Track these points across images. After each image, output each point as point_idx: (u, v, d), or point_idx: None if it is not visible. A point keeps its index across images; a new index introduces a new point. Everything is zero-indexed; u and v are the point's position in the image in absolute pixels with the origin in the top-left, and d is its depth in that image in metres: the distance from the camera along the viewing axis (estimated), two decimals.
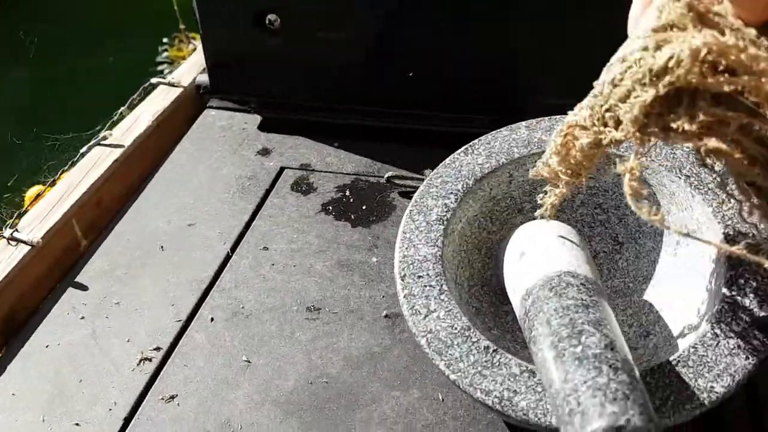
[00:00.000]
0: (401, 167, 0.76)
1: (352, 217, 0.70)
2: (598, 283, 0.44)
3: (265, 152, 0.80)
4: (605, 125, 0.38)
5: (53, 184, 0.74)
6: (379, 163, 0.77)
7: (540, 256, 0.46)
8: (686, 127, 0.34)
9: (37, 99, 2.23)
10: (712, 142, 0.34)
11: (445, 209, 0.53)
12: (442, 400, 0.52)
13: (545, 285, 0.43)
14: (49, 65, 2.35)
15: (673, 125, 0.34)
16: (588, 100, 0.40)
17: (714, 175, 0.49)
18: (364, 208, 0.71)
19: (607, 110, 0.38)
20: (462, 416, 0.51)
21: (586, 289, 0.42)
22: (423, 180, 0.58)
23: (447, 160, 0.56)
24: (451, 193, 0.54)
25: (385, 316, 0.60)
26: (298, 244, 0.67)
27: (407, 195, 0.72)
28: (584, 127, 0.40)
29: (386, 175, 0.73)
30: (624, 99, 0.36)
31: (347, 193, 0.73)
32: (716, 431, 0.49)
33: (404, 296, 0.49)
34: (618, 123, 0.37)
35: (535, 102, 0.77)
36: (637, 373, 0.37)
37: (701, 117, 0.33)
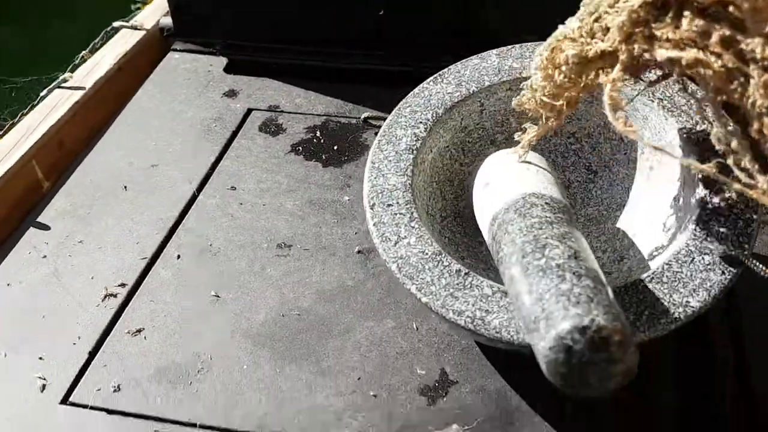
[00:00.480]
0: (372, 108, 0.74)
1: (323, 157, 0.69)
2: (564, 202, 0.44)
3: (231, 94, 0.77)
4: (593, 37, 0.38)
5: (12, 126, 0.71)
6: (350, 104, 0.76)
7: (504, 183, 0.46)
8: (670, 35, 0.34)
9: (6, 45, 2.14)
10: (692, 53, 0.34)
11: (415, 139, 0.52)
12: (417, 329, 0.52)
13: (510, 208, 0.43)
14: (20, 12, 2.27)
15: (658, 33, 0.34)
16: (579, 12, 0.39)
17: (692, 100, 0.49)
18: (335, 148, 0.70)
19: (596, 19, 0.38)
20: (436, 343, 0.51)
21: (550, 207, 0.42)
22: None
23: (416, 90, 0.54)
24: (420, 122, 0.52)
25: (358, 251, 0.59)
26: (267, 183, 0.66)
27: None
28: (572, 39, 0.39)
29: (362, 116, 0.71)
30: (613, 5, 0.36)
31: (318, 134, 0.72)
32: (697, 347, 0.49)
33: (374, 224, 0.48)
34: (606, 32, 0.37)
35: (508, 38, 0.76)
36: (604, 280, 0.37)
37: (686, 26, 0.33)
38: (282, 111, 0.75)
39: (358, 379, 0.49)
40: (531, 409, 0.45)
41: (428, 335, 0.51)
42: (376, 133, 0.70)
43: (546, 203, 0.43)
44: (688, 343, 0.48)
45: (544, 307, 0.34)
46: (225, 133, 0.72)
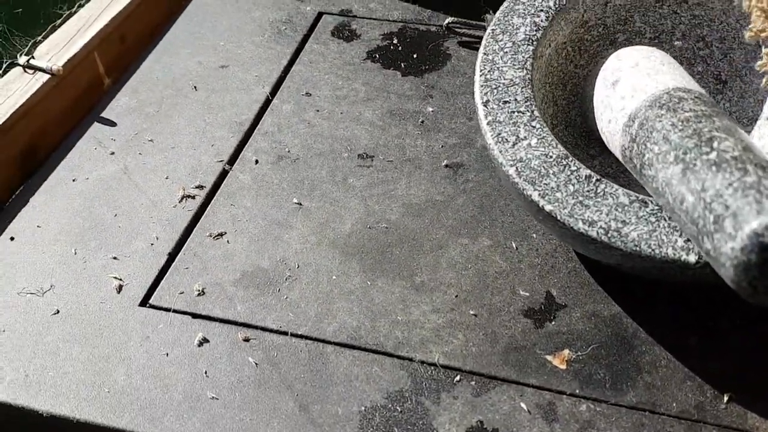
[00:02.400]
0: (453, 15, 0.69)
1: (402, 65, 0.64)
2: (713, 100, 0.39)
3: None
4: None
5: (70, 16, 0.66)
6: (428, 10, 0.70)
7: (639, 78, 0.41)
8: None
9: None
10: None
11: (535, 28, 0.47)
12: (516, 248, 0.48)
13: (653, 104, 0.38)
14: None
15: None
16: None
17: None
18: (415, 56, 0.65)
19: None
20: (539, 264, 0.47)
21: (702, 102, 0.37)
22: (487, 29, 0.51)
23: None
24: (542, 10, 0.47)
25: (446, 166, 0.55)
26: (344, 91, 0.61)
27: (468, 45, 0.65)
28: None
29: (445, 22, 0.66)
30: None
31: (395, 41, 0.67)
32: None
33: (488, 123, 0.43)
34: None
35: None
36: None
37: None
38: (355, 16, 0.70)
39: (456, 296, 0.45)
40: (650, 337, 0.42)
41: (529, 256, 0.48)
42: (460, 42, 0.66)
43: (696, 97, 0.38)
44: None
45: (728, 204, 0.30)
46: (296, 36, 0.67)
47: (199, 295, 0.45)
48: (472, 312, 0.44)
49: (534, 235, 0.49)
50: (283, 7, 0.71)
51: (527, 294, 0.45)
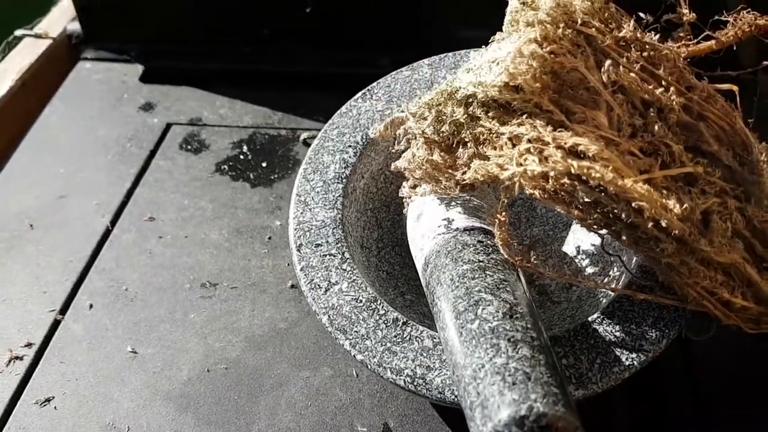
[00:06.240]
0: (303, 116, 0.69)
1: (251, 176, 0.63)
2: (500, 240, 0.39)
3: (148, 107, 0.71)
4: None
5: None
6: (279, 112, 0.70)
7: (436, 215, 0.41)
8: None
9: None
10: None
11: (344, 165, 0.47)
12: (357, 376, 0.48)
13: (441, 251, 0.38)
14: None
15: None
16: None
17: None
18: (264, 165, 0.64)
19: None
20: (378, 392, 0.46)
21: (483, 246, 0.38)
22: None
23: (343, 108, 0.49)
24: (350, 146, 0.47)
25: (291, 286, 0.54)
26: (190, 211, 0.60)
27: None
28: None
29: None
30: None
31: (245, 149, 0.66)
32: (652, 392, 0.46)
33: (301, 269, 0.43)
34: None
35: (444, 34, 0.71)
36: (544, 336, 0.33)
37: None
38: (205, 124, 0.69)
39: None
40: None
41: (369, 383, 0.47)
42: (308, 145, 0.66)
43: (478, 241, 0.38)
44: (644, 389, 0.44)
45: (479, 390, 0.30)
46: (141, 153, 0.66)
47: None
48: None
49: None
50: (129, 122, 0.69)
51: (365, 429, 0.45)
